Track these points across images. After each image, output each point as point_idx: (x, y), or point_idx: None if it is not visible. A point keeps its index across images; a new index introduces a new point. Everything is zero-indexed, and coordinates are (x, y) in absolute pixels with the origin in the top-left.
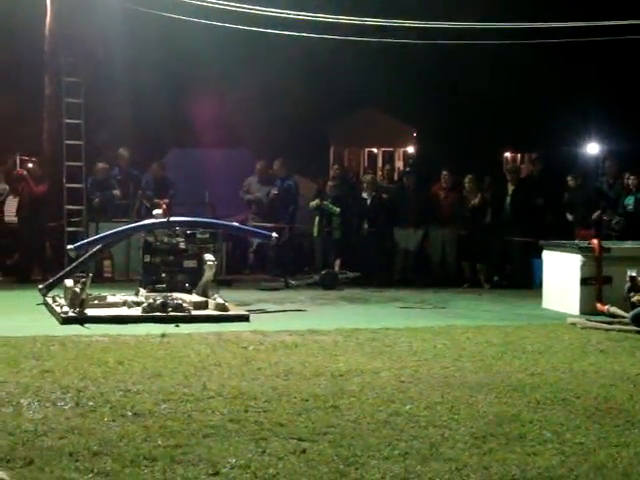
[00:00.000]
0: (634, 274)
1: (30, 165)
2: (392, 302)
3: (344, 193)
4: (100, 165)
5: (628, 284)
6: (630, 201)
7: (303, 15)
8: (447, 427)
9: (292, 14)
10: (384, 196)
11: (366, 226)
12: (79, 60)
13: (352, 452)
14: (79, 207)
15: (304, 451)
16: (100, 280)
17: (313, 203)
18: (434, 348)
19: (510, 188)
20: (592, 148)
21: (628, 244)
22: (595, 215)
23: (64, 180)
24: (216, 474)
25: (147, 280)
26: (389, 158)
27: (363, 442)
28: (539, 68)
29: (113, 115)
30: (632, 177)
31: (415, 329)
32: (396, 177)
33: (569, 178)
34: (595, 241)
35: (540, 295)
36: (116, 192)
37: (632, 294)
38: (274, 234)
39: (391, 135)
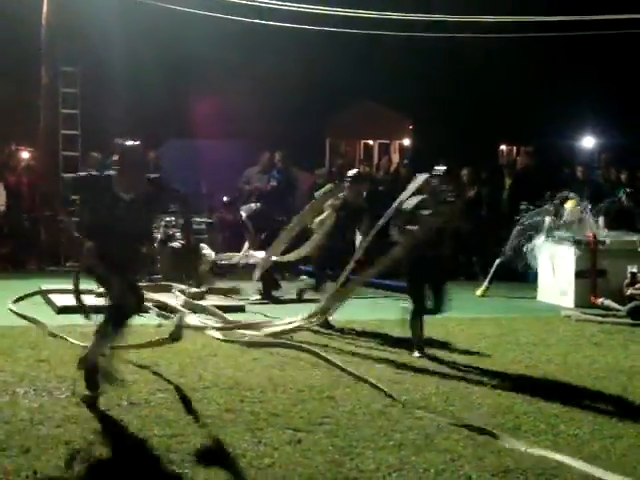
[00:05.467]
0: (635, 270)
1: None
2: (387, 293)
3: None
4: (92, 154)
5: (627, 280)
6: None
7: (300, 7)
8: (442, 418)
9: (289, 6)
10: (380, 188)
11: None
12: (76, 50)
13: (347, 442)
14: (75, 197)
15: (299, 441)
16: None
17: (327, 188)
18: (428, 340)
19: (507, 182)
20: (587, 141)
21: (623, 237)
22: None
23: (60, 169)
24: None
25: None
26: (385, 150)
27: (358, 432)
28: (535, 61)
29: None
30: (624, 171)
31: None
32: (392, 169)
33: (579, 169)
34: (590, 234)
35: (535, 288)
36: None
37: (628, 288)
38: None
39: (387, 127)
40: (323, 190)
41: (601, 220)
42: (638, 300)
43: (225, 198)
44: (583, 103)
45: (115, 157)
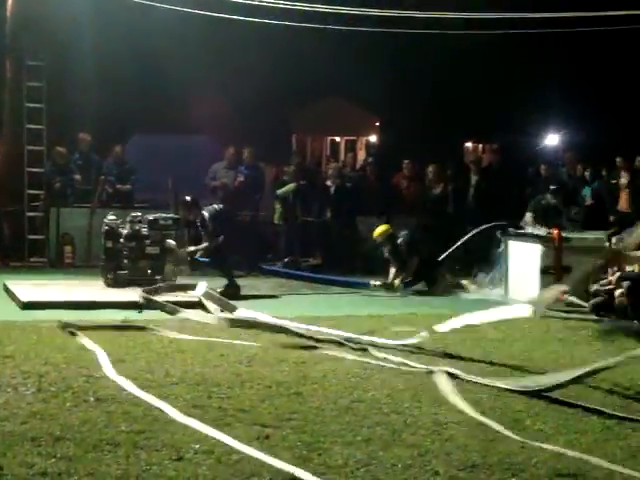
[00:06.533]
0: (591, 262)
1: None
2: (354, 290)
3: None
4: (58, 149)
5: (582, 273)
6: (587, 192)
7: (267, 1)
8: (409, 414)
9: (256, 1)
10: (348, 185)
11: (329, 214)
12: (41, 43)
13: (315, 438)
14: (39, 192)
15: (267, 437)
16: (61, 266)
17: (287, 188)
18: (396, 335)
19: (473, 178)
20: (552, 139)
21: (587, 234)
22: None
23: (25, 164)
24: (180, 459)
25: (109, 266)
26: (351, 147)
27: (326, 428)
28: (501, 59)
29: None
30: (588, 169)
31: (377, 316)
32: (358, 166)
33: (542, 167)
34: (555, 231)
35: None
36: (77, 177)
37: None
38: None
39: (354, 124)
40: (285, 189)
41: (528, 216)
42: (602, 296)
43: (187, 197)
44: (548, 101)
45: None
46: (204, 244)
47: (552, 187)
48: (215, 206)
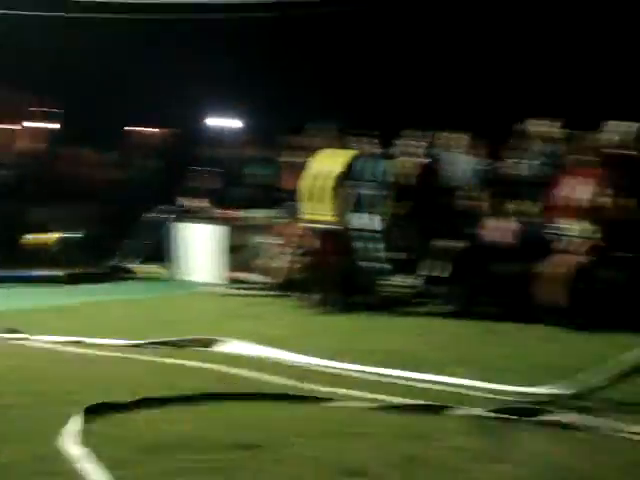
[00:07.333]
0: (262, 240)
1: None
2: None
3: None
4: None
5: (256, 250)
6: (262, 172)
7: None
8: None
9: None
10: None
11: None
12: None
13: None
14: None
15: None
16: None
17: None
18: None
19: (145, 163)
20: (231, 122)
21: (258, 213)
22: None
23: None
24: None
25: None
26: (12, 135)
27: None
28: (181, 44)
29: None
30: (259, 150)
31: (58, 308)
32: (27, 155)
33: (208, 149)
34: (228, 211)
35: (181, 265)
36: None
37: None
38: None
39: (18, 111)
40: None
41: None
42: (285, 272)
43: None
44: (231, 86)
45: None
46: None
47: (208, 169)
48: None
